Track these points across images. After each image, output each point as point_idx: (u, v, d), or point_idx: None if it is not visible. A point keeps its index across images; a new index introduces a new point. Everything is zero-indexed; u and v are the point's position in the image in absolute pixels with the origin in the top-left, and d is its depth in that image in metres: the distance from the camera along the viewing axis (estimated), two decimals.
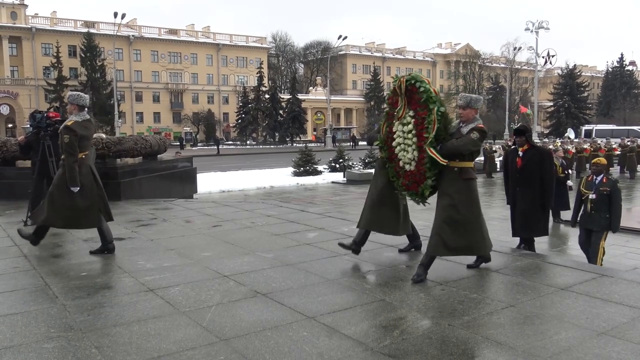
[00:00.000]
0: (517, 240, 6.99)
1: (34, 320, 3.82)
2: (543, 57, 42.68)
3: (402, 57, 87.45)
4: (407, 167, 4.99)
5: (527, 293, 4.42)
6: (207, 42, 72.44)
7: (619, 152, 24.16)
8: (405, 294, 4.41)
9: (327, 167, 21.83)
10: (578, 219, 7.32)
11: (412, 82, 4.86)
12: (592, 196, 7.09)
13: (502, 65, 77.74)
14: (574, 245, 8.38)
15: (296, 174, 20.47)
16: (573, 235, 9.13)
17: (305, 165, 20.89)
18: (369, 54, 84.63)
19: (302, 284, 4.69)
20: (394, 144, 5.10)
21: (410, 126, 4.86)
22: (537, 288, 4.55)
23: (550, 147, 20.35)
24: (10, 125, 59.43)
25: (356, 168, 21.32)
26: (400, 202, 5.47)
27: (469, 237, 4.79)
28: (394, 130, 5.10)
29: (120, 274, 5.07)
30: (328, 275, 4.96)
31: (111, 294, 4.45)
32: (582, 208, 7.25)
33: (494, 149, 22.84)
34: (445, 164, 4.65)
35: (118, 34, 53.21)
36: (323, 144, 54.87)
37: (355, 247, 5.50)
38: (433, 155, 4.64)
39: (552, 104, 75.21)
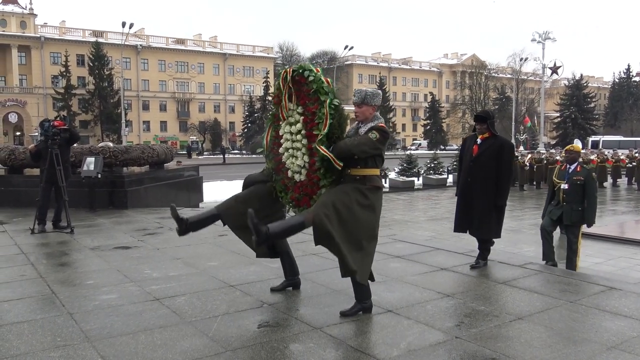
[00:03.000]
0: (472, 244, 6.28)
1: (41, 329, 3.82)
2: (550, 68, 42.59)
3: (408, 67, 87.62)
4: (296, 176, 4.16)
5: (535, 305, 4.39)
6: (214, 52, 72.88)
7: (627, 164, 24.03)
8: (412, 306, 4.38)
9: None
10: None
11: (300, 71, 4.10)
12: (564, 186, 6.55)
13: (509, 76, 77.68)
14: (582, 257, 8.32)
15: None
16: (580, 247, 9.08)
17: None
18: (375, 63, 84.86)
19: (308, 295, 4.67)
20: (281, 149, 4.25)
21: (299, 125, 4.08)
22: (545, 301, 4.52)
23: (557, 158, 20.28)
24: (18, 134, 59.86)
25: None
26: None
27: (362, 257, 3.95)
28: (280, 134, 4.28)
29: (126, 282, 5.07)
30: (334, 285, 4.93)
31: (117, 302, 4.45)
32: (555, 200, 6.74)
33: None
34: (340, 166, 3.90)
35: (126, 43, 53.65)
36: None
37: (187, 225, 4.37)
38: (324, 153, 3.88)
39: (558, 114, 75.04)
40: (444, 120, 78.52)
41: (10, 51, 59.30)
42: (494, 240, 5.84)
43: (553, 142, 68.13)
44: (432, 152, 33.35)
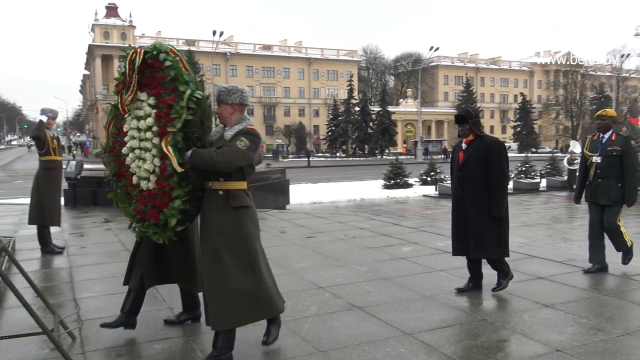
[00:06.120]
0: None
1: (145, 322, 4.04)
2: None
3: (496, 67, 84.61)
4: (143, 184, 3.43)
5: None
6: (299, 57, 74.29)
7: None
8: (507, 315, 4.21)
9: (418, 180, 21.47)
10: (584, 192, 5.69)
11: (155, 53, 3.36)
12: (596, 159, 5.43)
13: (608, 74, 72.87)
14: None
15: (386, 187, 20.26)
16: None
17: (395, 178, 20.63)
18: (461, 64, 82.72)
19: (398, 299, 4.62)
20: (124, 149, 3.49)
21: (150, 120, 3.34)
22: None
23: None
24: None
25: (448, 181, 20.87)
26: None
27: (247, 294, 3.32)
28: (125, 130, 3.51)
29: None
30: (424, 291, 4.85)
31: None
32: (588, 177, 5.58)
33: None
34: (179, 170, 3.22)
35: (216, 51, 55.96)
36: (413, 157, 54.16)
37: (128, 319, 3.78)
38: (170, 155, 3.22)
39: None
40: (535, 122, 74.95)
41: (113, 61, 63.70)
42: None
43: None
44: (523, 155, 31.92)
